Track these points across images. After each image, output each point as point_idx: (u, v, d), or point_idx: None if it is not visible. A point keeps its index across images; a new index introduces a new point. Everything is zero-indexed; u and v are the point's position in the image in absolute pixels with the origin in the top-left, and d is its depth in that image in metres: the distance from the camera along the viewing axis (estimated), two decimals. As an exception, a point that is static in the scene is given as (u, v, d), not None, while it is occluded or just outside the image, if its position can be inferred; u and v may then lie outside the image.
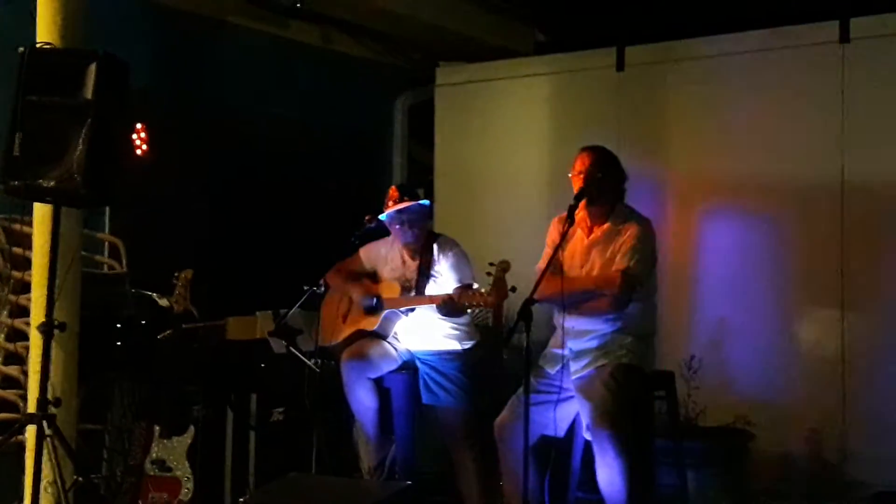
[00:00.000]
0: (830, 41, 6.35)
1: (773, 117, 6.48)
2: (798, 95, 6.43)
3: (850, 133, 6.24)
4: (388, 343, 5.07)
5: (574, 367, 4.44)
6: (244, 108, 6.98)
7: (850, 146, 6.23)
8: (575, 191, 4.46)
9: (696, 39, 6.84)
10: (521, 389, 4.19)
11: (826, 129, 6.31)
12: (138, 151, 6.01)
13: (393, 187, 5.22)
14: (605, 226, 4.52)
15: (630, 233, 4.44)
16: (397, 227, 5.06)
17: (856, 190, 6.22)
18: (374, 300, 5.08)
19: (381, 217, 5.09)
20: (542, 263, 4.56)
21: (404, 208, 5.04)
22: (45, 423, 4.05)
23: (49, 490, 4.51)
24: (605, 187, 4.49)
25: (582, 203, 4.41)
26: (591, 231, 4.55)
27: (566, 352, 4.46)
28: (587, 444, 4.38)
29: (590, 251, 4.54)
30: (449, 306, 4.70)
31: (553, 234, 4.64)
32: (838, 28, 6.32)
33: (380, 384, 5.02)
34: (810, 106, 6.40)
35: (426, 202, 5.17)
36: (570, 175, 4.54)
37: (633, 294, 4.39)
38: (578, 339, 4.47)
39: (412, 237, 5.06)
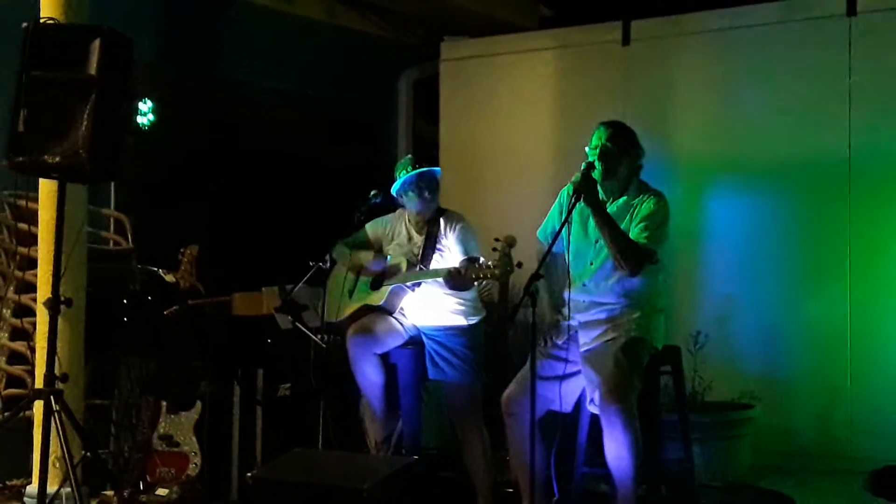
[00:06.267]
0: (837, 14, 6.32)
1: (780, 91, 6.46)
2: (805, 69, 6.41)
3: (857, 106, 6.23)
4: (395, 318, 5.07)
5: (583, 338, 4.43)
6: (249, 83, 6.98)
7: (858, 119, 6.22)
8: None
9: (702, 13, 6.81)
10: (528, 364, 4.19)
11: (833, 102, 6.29)
12: (144, 127, 6.01)
13: (408, 157, 5.21)
14: (619, 201, 4.50)
15: (645, 206, 4.43)
16: (412, 193, 5.03)
17: (863, 164, 6.21)
18: (386, 258, 5.08)
19: (395, 185, 5.07)
20: (549, 240, 4.57)
21: (423, 172, 5.03)
22: (52, 399, 4.06)
23: (57, 465, 4.55)
24: (620, 161, 4.47)
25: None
26: (604, 206, 4.52)
27: (574, 323, 4.45)
28: (594, 419, 4.38)
29: None
30: (455, 280, 4.69)
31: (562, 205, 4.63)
32: (846, 1, 6.29)
33: (386, 360, 5.02)
34: (817, 79, 6.38)
35: (439, 170, 5.17)
36: (586, 149, 4.52)
37: (643, 267, 4.38)
38: (587, 311, 4.47)
39: (427, 203, 5.04)
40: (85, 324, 4.99)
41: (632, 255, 4.35)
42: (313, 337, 5.07)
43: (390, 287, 5.01)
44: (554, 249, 4.48)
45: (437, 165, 5.23)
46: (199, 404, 5.20)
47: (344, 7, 7.58)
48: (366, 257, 5.21)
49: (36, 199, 4.86)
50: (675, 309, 4.72)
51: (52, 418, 4.05)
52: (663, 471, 4.73)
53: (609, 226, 4.35)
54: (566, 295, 4.51)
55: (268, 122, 6.99)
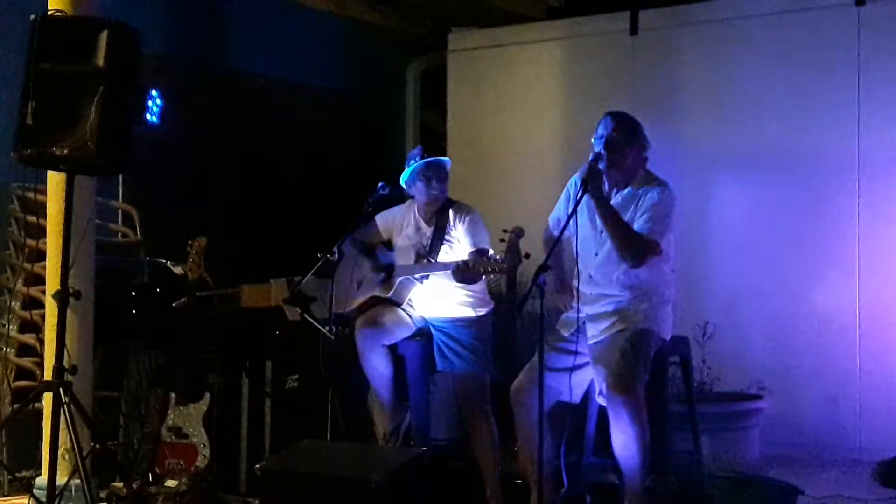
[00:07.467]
0: (846, 3, 6.30)
1: (788, 81, 6.45)
2: (813, 59, 6.40)
3: (865, 95, 6.21)
4: (403, 310, 5.07)
5: (591, 331, 4.43)
6: (257, 75, 6.97)
7: (866, 109, 6.21)
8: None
9: (710, 3, 6.81)
10: (536, 355, 4.19)
11: (841, 92, 6.28)
12: (151, 119, 6.00)
13: (418, 147, 5.21)
14: (625, 191, 4.48)
15: (649, 197, 4.41)
16: (421, 183, 5.03)
17: (872, 154, 6.19)
18: (383, 275, 5.08)
19: (404, 175, 5.06)
20: (555, 230, 4.59)
21: (432, 162, 5.03)
22: (61, 391, 4.08)
23: (66, 457, 4.55)
24: (626, 152, 4.45)
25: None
26: (610, 197, 4.50)
27: (582, 315, 4.44)
28: (602, 410, 4.38)
29: None
30: (463, 273, 4.69)
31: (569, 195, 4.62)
32: (854, -10, 6.29)
33: (394, 351, 5.02)
34: (826, 69, 6.37)
35: (448, 160, 5.16)
36: (592, 139, 4.51)
37: (646, 258, 4.37)
38: (594, 304, 4.46)
39: (436, 193, 5.03)
40: (94, 316, 5.00)
41: (634, 247, 4.34)
42: (321, 329, 5.07)
43: (399, 278, 5.02)
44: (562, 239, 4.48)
45: (445, 156, 5.22)
46: (207, 396, 5.20)
47: (353, -2, 7.59)
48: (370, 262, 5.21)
49: (44, 192, 4.87)
50: (683, 299, 4.70)
51: (62, 410, 4.07)
52: (672, 461, 4.73)
53: (612, 217, 4.34)
54: (574, 284, 4.51)
55: (275, 112, 6.99)
